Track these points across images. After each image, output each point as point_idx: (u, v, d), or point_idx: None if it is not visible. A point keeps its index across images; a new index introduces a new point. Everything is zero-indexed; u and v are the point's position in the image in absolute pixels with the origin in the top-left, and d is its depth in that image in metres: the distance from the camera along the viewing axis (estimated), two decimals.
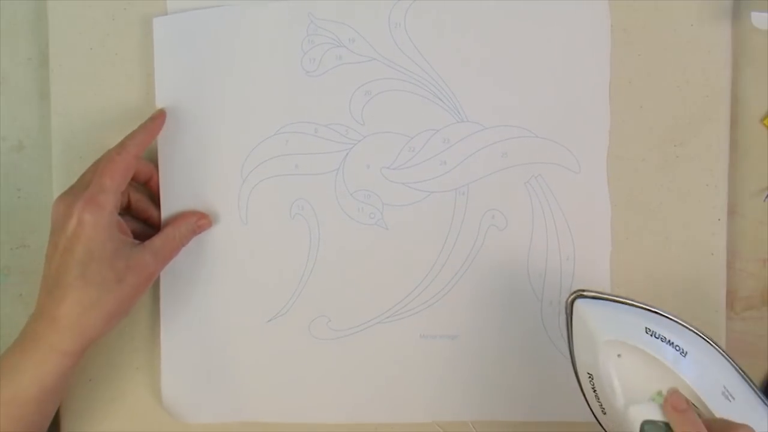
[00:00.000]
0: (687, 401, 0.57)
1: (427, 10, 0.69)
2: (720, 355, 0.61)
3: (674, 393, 0.57)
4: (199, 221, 0.69)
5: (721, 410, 0.58)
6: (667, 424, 0.57)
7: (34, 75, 0.74)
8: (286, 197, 0.70)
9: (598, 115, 0.69)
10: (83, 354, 0.64)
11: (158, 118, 0.69)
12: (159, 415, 0.72)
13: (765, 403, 0.61)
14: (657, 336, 0.59)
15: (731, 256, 0.69)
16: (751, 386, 0.61)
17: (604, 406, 0.61)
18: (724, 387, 0.60)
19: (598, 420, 0.62)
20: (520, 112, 0.69)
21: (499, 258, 0.70)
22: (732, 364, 0.61)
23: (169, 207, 0.71)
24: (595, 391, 0.61)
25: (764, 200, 0.70)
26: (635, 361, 0.59)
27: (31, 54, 0.74)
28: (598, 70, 0.69)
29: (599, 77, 0.69)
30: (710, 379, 0.59)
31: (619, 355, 0.59)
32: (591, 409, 0.62)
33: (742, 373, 0.61)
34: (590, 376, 0.61)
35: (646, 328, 0.59)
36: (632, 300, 0.61)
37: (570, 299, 0.61)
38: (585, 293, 0.61)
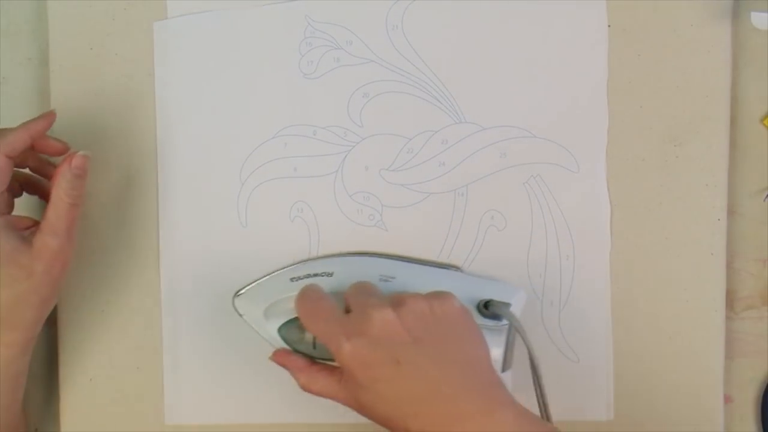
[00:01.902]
0: (318, 291, 0.62)
1: (425, 12, 0.69)
2: (369, 257, 0.69)
3: (303, 290, 0.62)
4: (74, 166, 0.64)
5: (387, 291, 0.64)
6: (296, 318, 0.64)
7: (34, 75, 0.74)
8: (285, 200, 0.70)
9: (597, 114, 0.69)
10: (30, 342, 0.65)
11: (45, 118, 0.66)
12: (159, 415, 0.72)
13: (423, 264, 0.69)
14: (300, 278, 0.67)
15: (731, 256, 0.69)
16: (412, 263, 0.69)
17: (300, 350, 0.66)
18: (381, 275, 0.66)
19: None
20: (519, 112, 0.69)
21: (498, 258, 0.70)
22: (385, 257, 0.69)
23: (168, 210, 0.71)
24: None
25: (764, 200, 0.69)
26: (283, 307, 0.66)
27: (31, 54, 0.74)
28: (596, 69, 0.69)
29: (597, 77, 0.69)
30: (365, 277, 0.65)
31: (266, 317, 0.67)
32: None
33: (400, 258, 0.69)
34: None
35: (290, 278, 0.68)
36: (277, 269, 0.70)
37: (233, 302, 0.69)
38: (239, 291, 0.69)
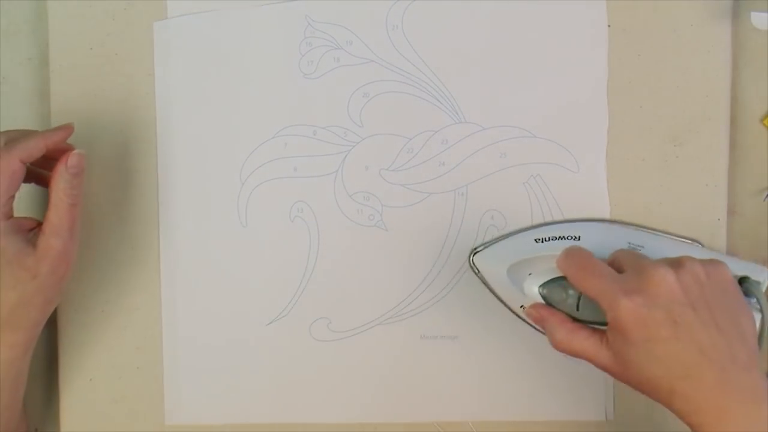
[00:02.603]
0: (586, 251, 0.62)
1: (425, 12, 0.69)
2: (615, 224, 0.69)
3: (568, 250, 0.62)
4: (70, 166, 0.64)
5: None
6: (562, 278, 0.64)
7: (34, 75, 0.74)
8: (285, 200, 0.70)
9: (597, 114, 0.69)
10: (32, 343, 0.65)
11: (63, 130, 0.66)
12: (159, 416, 0.72)
13: (666, 236, 0.69)
14: (546, 240, 0.67)
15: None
16: (657, 233, 0.69)
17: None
18: (629, 243, 0.66)
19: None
20: (519, 112, 0.69)
21: None
22: (631, 226, 0.69)
23: (168, 210, 0.71)
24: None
25: (764, 200, 0.69)
26: (539, 266, 0.66)
27: (31, 54, 0.74)
28: (596, 69, 0.69)
29: (597, 77, 0.69)
30: (611, 244, 0.64)
31: (530, 274, 0.66)
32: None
33: (644, 228, 0.69)
34: (522, 308, 0.67)
35: (534, 239, 0.67)
36: (515, 230, 0.70)
37: (470, 259, 0.69)
38: (477, 249, 0.69)
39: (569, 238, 0.67)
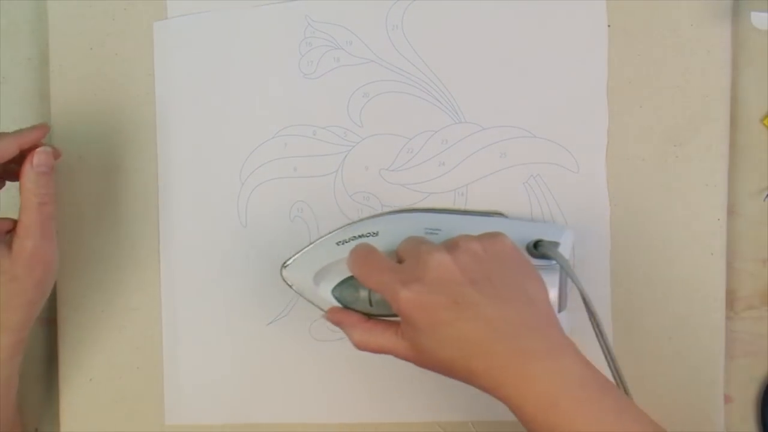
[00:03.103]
0: (368, 246, 0.62)
1: (424, 12, 0.69)
2: (413, 212, 0.70)
3: (354, 247, 0.62)
4: (35, 165, 0.63)
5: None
6: (351, 277, 0.64)
7: (34, 75, 0.74)
8: (285, 200, 0.70)
9: (597, 114, 0.69)
10: (20, 345, 0.65)
11: (38, 129, 0.65)
12: (159, 415, 0.72)
13: (467, 214, 0.69)
14: (346, 241, 0.67)
15: (731, 256, 0.69)
16: (456, 214, 0.69)
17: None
18: (425, 229, 0.66)
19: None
20: (518, 112, 0.69)
21: None
22: (428, 211, 0.69)
23: (168, 210, 0.71)
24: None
25: (764, 200, 0.69)
26: (333, 269, 0.66)
27: (31, 54, 0.74)
28: (595, 69, 0.69)
29: (597, 77, 0.69)
30: (408, 234, 0.64)
31: (323, 279, 0.67)
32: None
33: (444, 211, 0.69)
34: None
35: (335, 243, 0.67)
36: (320, 236, 0.70)
37: (281, 274, 0.69)
38: (286, 263, 0.69)
39: (368, 235, 0.67)
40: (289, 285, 0.68)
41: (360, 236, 0.67)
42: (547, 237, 0.64)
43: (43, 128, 0.65)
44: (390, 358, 0.69)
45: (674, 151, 0.69)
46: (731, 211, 0.69)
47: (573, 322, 0.65)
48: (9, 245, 0.63)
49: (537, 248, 0.64)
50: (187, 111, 0.71)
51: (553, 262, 0.63)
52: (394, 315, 0.60)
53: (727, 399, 0.70)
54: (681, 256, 0.69)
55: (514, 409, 0.56)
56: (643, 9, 0.68)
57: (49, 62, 0.72)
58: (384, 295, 0.59)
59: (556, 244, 0.64)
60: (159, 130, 0.72)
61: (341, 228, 0.69)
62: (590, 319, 0.62)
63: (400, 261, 0.61)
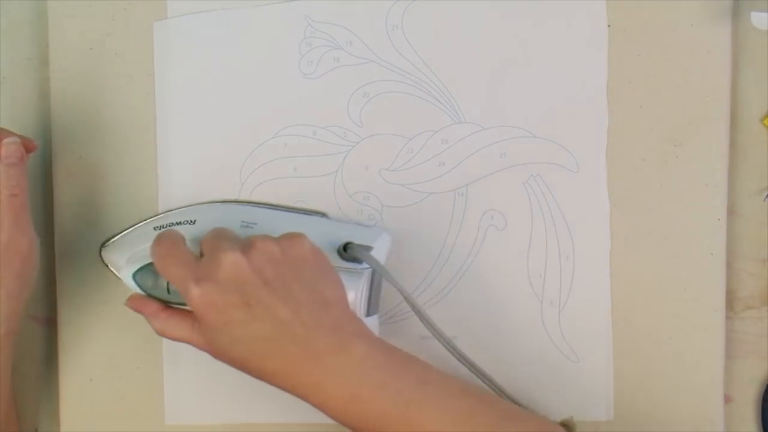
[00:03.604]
0: (173, 236, 0.62)
1: (424, 12, 0.69)
2: (232, 204, 0.70)
3: (159, 233, 0.63)
4: (4, 157, 0.63)
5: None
6: (151, 264, 0.64)
7: (34, 75, 0.74)
8: (285, 200, 0.70)
9: (597, 114, 0.69)
10: (8, 338, 0.65)
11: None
12: (159, 415, 0.72)
13: (287, 210, 0.69)
14: (163, 227, 0.67)
15: (731, 256, 0.69)
16: (277, 209, 0.69)
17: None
18: (242, 221, 0.67)
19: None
20: (518, 112, 0.69)
21: (498, 258, 0.70)
22: (248, 203, 0.70)
23: (168, 209, 0.71)
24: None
25: (764, 200, 0.69)
26: (137, 258, 0.67)
27: (31, 54, 0.74)
28: (595, 69, 0.69)
29: (597, 77, 0.69)
30: (226, 224, 0.65)
31: (125, 262, 0.67)
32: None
33: (265, 205, 0.70)
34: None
35: (153, 227, 0.68)
36: (140, 220, 0.70)
37: (99, 253, 0.70)
38: (105, 242, 0.70)
39: (185, 222, 0.67)
40: (105, 264, 0.69)
41: (177, 223, 0.68)
42: (361, 240, 0.65)
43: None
44: None
45: (674, 151, 0.69)
46: (731, 211, 0.69)
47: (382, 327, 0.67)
48: None
49: (346, 251, 0.65)
50: (187, 111, 0.71)
51: (362, 266, 0.64)
52: None
53: (727, 399, 0.70)
54: (681, 256, 0.69)
55: (318, 406, 0.58)
56: (643, 9, 0.68)
57: (49, 62, 0.72)
58: (178, 289, 0.59)
59: (367, 248, 0.65)
60: (159, 130, 0.71)
61: (163, 213, 0.70)
62: (416, 312, 0.64)
63: (201, 254, 0.61)
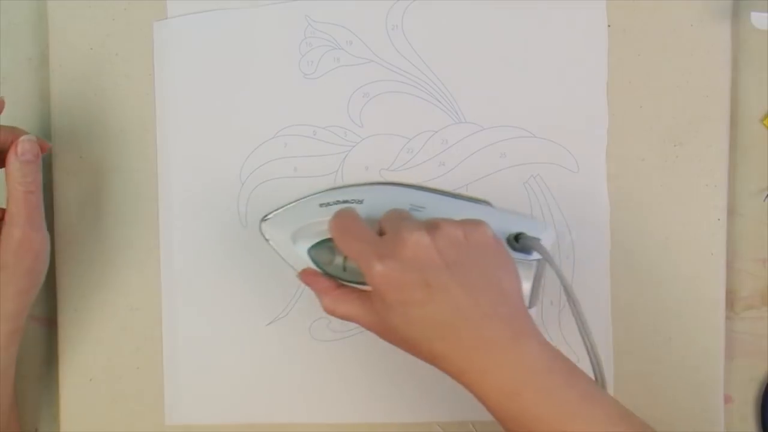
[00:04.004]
0: (352, 213, 0.63)
1: (424, 12, 0.69)
2: (399, 186, 0.69)
3: (338, 212, 0.63)
4: (20, 153, 0.63)
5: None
6: (329, 239, 0.64)
7: (34, 75, 0.74)
8: (285, 200, 0.70)
9: (597, 114, 0.69)
10: (15, 335, 0.65)
11: None
12: (159, 416, 0.72)
13: (454, 197, 0.69)
14: (330, 204, 0.67)
15: (731, 256, 0.69)
16: (443, 195, 0.69)
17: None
18: (411, 204, 0.66)
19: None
20: (518, 112, 0.69)
21: None
22: (416, 187, 0.69)
23: (168, 210, 0.71)
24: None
25: (764, 200, 0.69)
26: (314, 230, 0.66)
27: (31, 54, 0.74)
28: (595, 69, 0.69)
29: (597, 77, 0.69)
30: (395, 206, 0.65)
31: (301, 238, 0.67)
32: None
33: (431, 190, 0.69)
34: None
35: (319, 204, 0.68)
36: (303, 195, 0.70)
37: (259, 226, 0.70)
38: (266, 216, 0.69)
39: (352, 201, 0.67)
40: (266, 239, 0.69)
41: (344, 201, 0.67)
42: (530, 232, 0.65)
43: None
44: (390, 358, 0.70)
45: (674, 151, 0.69)
46: (731, 211, 0.69)
47: (539, 319, 0.67)
48: None
49: (518, 241, 0.64)
50: (187, 111, 0.71)
51: (531, 257, 0.63)
52: (366, 284, 0.60)
53: (727, 399, 0.70)
54: (681, 256, 0.69)
55: (478, 396, 0.57)
56: (643, 9, 0.68)
57: (49, 62, 0.72)
58: (359, 265, 0.59)
59: (537, 239, 0.64)
60: (159, 130, 0.71)
61: (326, 190, 0.70)
62: (572, 311, 0.62)
63: (381, 233, 0.61)
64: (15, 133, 0.65)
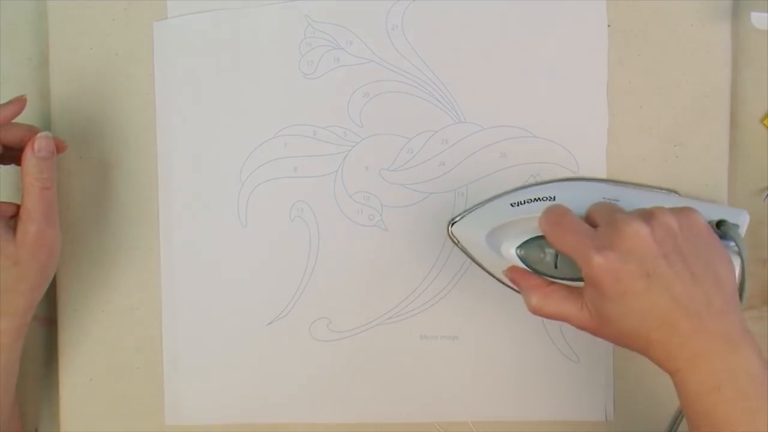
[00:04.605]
0: (563, 208, 0.61)
1: (424, 12, 0.69)
2: (589, 181, 0.69)
3: (548, 208, 0.62)
4: (36, 149, 0.64)
5: None
6: (538, 237, 0.64)
7: (34, 75, 0.74)
8: (285, 200, 0.70)
9: (597, 114, 0.69)
10: (22, 330, 0.65)
11: (14, 104, 0.65)
12: (159, 415, 0.72)
13: (643, 188, 0.69)
14: (521, 203, 0.67)
15: None
16: (630, 186, 0.69)
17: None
18: (603, 197, 0.65)
19: None
20: (518, 112, 0.69)
21: None
22: (605, 181, 0.69)
23: (168, 210, 0.71)
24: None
25: (764, 200, 0.69)
26: (516, 228, 0.65)
27: (31, 54, 0.74)
28: (596, 69, 0.69)
29: (597, 77, 0.69)
30: (586, 201, 0.64)
31: (507, 237, 0.66)
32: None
33: (618, 182, 0.69)
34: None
35: (510, 204, 0.67)
36: (490, 197, 0.69)
37: (448, 229, 0.69)
38: (455, 219, 0.69)
39: (544, 199, 0.67)
40: (455, 242, 0.69)
41: (536, 199, 0.67)
42: (728, 218, 0.63)
43: (20, 102, 0.65)
44: (389, 358, 0.70)
45: (674, 151, 0.69)
46: None
47: None
48: (13, 230, 0.63)
49: (719, 228, 0.63)
50: (186, 111, 0.71)
51: (732, 243, 0.62)
52: (576, 280, 0.60)
53: None
54: None
55: (678, 384, 0.57)
56: (643, 9, 0.68)
57: (49, 62, 0.72)
58: (575, 259, 0.59)
59: (737, 227, 0.63)
60: (159, 130, 0.71)
61: (513, 191, 0.69)
62: None
63: (592, 225, 0.60)
64: (32, 130, 0.65)
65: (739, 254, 0.61)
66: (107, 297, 0.72)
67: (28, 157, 0.64)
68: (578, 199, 0.64)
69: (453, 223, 0.69)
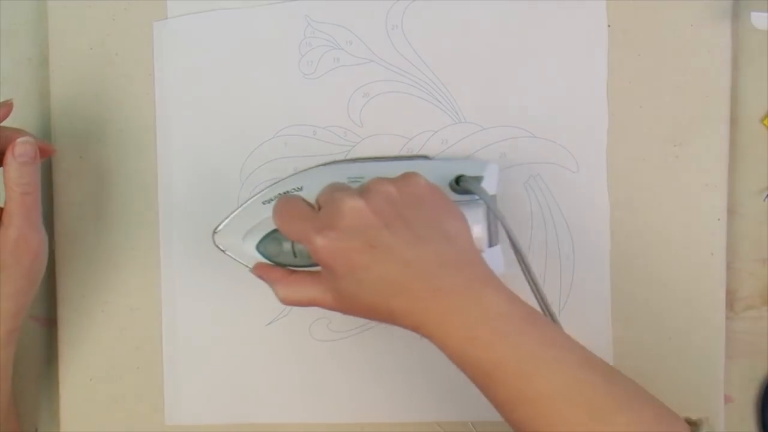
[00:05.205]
0: (288, 197, 0.63)
1: (424, 12, 0.69)
2: (336, 164, 0.70)
3: (278, 199, 0.63)
4: (17, 155, 0.63)
5: None
6: (274, 230, 0.64)
7: (34, 75, 0.74)
8: None
9: (597, 114, 0.69)
10: (12, 334, 0.65)
11: (2, 107, 0.65)
12: (159, 415, 0.72)
13: (391, 160, 0.69)
14: (272, 200, 0.66)
15: (731, 256, 0.69)
16: (371, 161, 0.69)
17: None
18: (349, 177, 0.66)
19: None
20: (518, 112, 0.69)
21: None
22: (351, 161, 0.70)
23: (168, 210, 0.71)
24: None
25: (764, 200, 0.69)
26: (257, 230, 0.66)
27: (31, 54, 0.74)
28: (595, 69, 0.69)
29: (597, 77, 0.69)
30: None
31: (245, 236, 0.67)
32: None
33: (368, 159, 0.70)
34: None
35: (261, 202, 0.67)
36: (246, 198, 0.69)
37: (213, 240, 0.68)
38: (216, 228, 0.68)
39: (293, 190, 0.67)
40: (222, 250, 0.68)
41: (285, 193, 0.67)
42: (469, 172, 0.65)
43: (6, 106, 0.65)
44: (389, 358, 0.70)
45: (674, 151, 0.69)
46: (731, 211, 0.69)
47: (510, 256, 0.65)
48: None
49: (459, 184, 0.64)
50: (187, 111, 0.71)
51: (477, 197, 0.63)
52: (317, 265, 0.60)
53: (727, 399, 0.69)
54: (681, 256, 0.69)
55: (439, 346, 0.57)
56: (643, 9, 0.68)
57: (49, 62, 0.72)
58: (302, 244, 0.59)
59: (479, 179, 0.64)
60: (159, 130, 0.72)
61: (268, 187, 0.69)
62: (515, 253, 0.63)
63: (319, 208, 0.61)
64: (17, 133, 0.65)
65: (483, 203, 0.63)
66: (107, 297, 0.72)
67: (9, 162, 0.63)
68: (325, 184, 0.63)
69: (215, 233, 0.68)
